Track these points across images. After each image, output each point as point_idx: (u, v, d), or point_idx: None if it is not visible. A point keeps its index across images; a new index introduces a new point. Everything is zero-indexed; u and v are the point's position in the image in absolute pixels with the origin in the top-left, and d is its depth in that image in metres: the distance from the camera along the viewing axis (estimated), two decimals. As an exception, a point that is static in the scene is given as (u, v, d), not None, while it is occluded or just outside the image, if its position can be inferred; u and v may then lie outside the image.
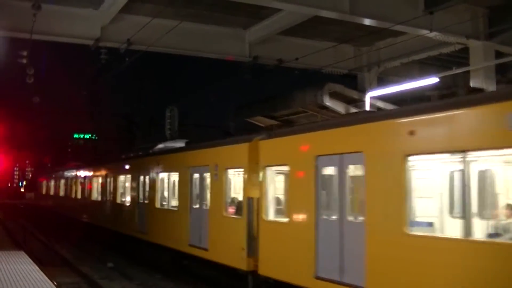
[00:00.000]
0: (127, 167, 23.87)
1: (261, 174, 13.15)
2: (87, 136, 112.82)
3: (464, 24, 18.25)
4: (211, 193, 15.70)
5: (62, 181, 39.39)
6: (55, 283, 12.37)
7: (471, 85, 19.32)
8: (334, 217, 10.78)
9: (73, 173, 35.88)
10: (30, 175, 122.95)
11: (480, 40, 19.18)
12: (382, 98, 20.26)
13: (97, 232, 27.22)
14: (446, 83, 21.84)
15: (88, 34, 20.10)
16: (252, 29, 21.97)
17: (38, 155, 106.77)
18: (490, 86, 18.78)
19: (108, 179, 26.47)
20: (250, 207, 13.53)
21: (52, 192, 44.42)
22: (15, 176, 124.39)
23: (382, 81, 24.21)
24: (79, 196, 33.13)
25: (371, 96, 20.12)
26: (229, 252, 14.23)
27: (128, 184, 23.76)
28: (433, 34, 18.29)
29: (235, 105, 27.86)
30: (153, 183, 20.29)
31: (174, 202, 18.86)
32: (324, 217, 11.04)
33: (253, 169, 13.49)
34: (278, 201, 13.25)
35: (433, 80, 18.16)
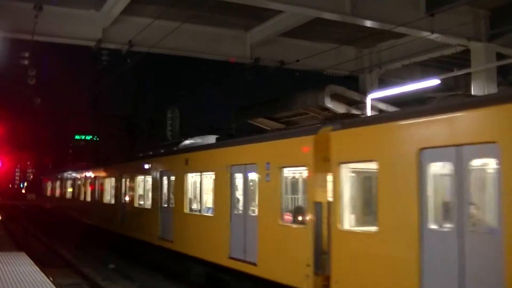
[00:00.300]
0: (146, 166, 21.25)
1: (333, 173, 10.61)
2: (88, 137, 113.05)
3: (465, 26, 18.23)
4: (260, 197, 13.16)
5: (71, 182, 36.88)
6: (56, 285, 12.37)
7: (472, 87, 19.35)
8: (449, 228, 8.28)
9: (83, 173, 33.16)
10: (32, 176, 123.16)
11: (482, 42, 19.15)
12: (383, 100, 20.25)
13: (111, 239, 25.48)
14: (447, 85, 21.92)
15: (90, 36, 20.10)
16: (253, 30, 21.98)
17: (39, 156, 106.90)
18: (493, 88, 18.79)
19: (124, 180, 24.06)
20: (318, 214, 11.01)
21: (58, 194, 42.17)
22: (16, 177, 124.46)
23: (383, 83, 24.19)
24: (88, 198, 30.86)
25: (372, 98, 20.11)
26: (287, 268, 11.89)
27: (148, 186, 21.38)
28: (434, 36, 18.28)
29: (237, 107, 27.75)
30: (180, 184, 17.76)
31: (209, 207, 16.35)
32: (432, 227, 8.56)
33: (321, 167, 11.02)
34: (359, 206, 10.74)
35: (434, 82, 18.19)
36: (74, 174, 35.97)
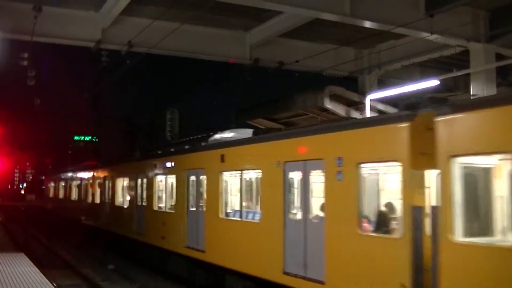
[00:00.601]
0: (168, 165, 18.73)
1: (441, 170, 8.35)
2: (87, 138, 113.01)
3: (464, 27, 18.24)
4: (329, 199, 10.76)
5: (78, 183, 33.97)
6: (56, 285, 12.36)
7: (472, 87, 19.37)
8: None
9: (92, 172, 30.29)
10: (31, 177, 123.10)
11: (481, 43, 19.17)
12: (382, 100, 20.27)
13: (125, 245, 23.23)
14: (447, 86, 21.95)
15: (89, 36, 20.11)
16: (253, 31, 21.99)
17: (38, 157, 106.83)
18: (492, 89, 18.81)
19: (140, 180, 21.51)
20: (417, 221, 8.78)
21: (63, 195, 39.47)
22: (15, 178, 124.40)
23: (382, 84, 24.22)
24: (98, 200, 28.12)
25: (371, 99, 20.13)
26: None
27: (170, 186, 18.93)
28: (433, 37, 18.29)
29: (236, 108, 27.69)
30: (213, 184, 15.34)
31: (252, 212, 14.19)
32: None
33: (419, 162, 8.82)
34: (480, 212, 8.48)
35: (433, 82, 18.20)
36: (81, 174, 33.22)
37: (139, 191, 21.57)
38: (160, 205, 19.74)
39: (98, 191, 28.14)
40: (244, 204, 14.21)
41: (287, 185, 12.13)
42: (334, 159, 10.51)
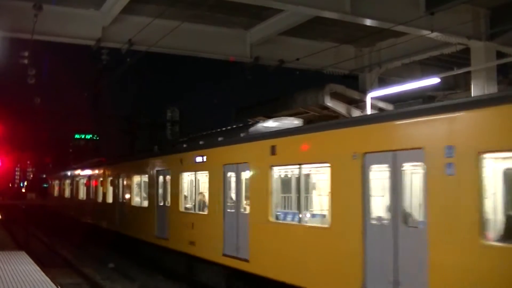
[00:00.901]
0: (198, 159, 16.49)
1: None
2: (88, 137, 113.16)
3: (465, 25, 18.22)
4: (432, 200, 8.64)
5: (86, 181, 31.50)
6: (56, 284, 12.36)
7: (472, 86, 19.34)
8: None
9: (102, 170, 28.08)
10: (31, 176, 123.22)
11: (482, 41, 19.15)
12: (383, 98, 20.26)
13: (144, 249, 21.24)
14: (447, 84, 21.93)
15: (89, 35, 20.08)
16: (253, 29, 21.96)
17: (39, 155, 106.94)
18: (492, 87, 18.78)
19: (161, 178, 19.60)
20: None
21: (69, 194, 37.09)
22: (16, 177, 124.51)
23: (383, 82, 24.20)
24: (109, 200, 26.12)
25: (372, 97, 20.12)
26: None
27: (201, 185, 16.99)
28: (434, 35, 18.27)
29: (237, 106, 27.62)
30: (261, 181, 13.04)
31: (317, 214, 12.02)
32: None
33: None
34: None
35: (434, 80, 18.19)
36: (91, 171, 30.53)
37: (160, 190, 19.60)
38: (187, 206, 17.73)
39: (110, 189, 26.16)
40: (302, 204, 11.97)
41: (366, 182, 9.90)
42: (441, 148, 8.48)
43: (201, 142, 18.11)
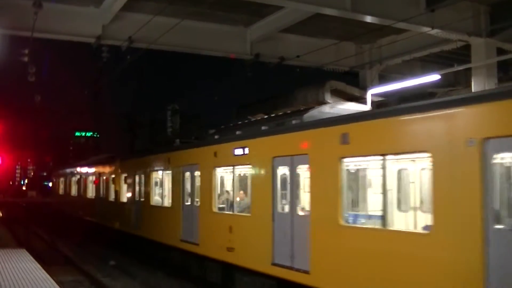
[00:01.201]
0: (238, 152, 14.26)
1: None
2: (88, 134, 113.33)
3: (465, 22, 18.21)
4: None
5: (96, 178, 29.20)
6: (57, 281, 12.38)
7: (473, 82, 19.33)
8: None
9: (113, 167, 25.97)
10: (32, 173, 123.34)
11: (482, 37, 19.14)
12: (383, 95, 20.24)
13: (166, 254, 19.22)
14: (447, 80, 21.91)
15: (90, 32, 20.07)
16: (253, 27, 21.95)
17: (39, 153, 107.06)
18: (493, 84, 18.78)
19: (187, 174, 17.46)
20: None
21: (75, 192, 34.95)
22: (16, 175, 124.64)
23: (383, 79, 24.19)
24: (123, 199, 24.03)
25: (372, 94, 20.10)
26: None
27: (240, 181, 14.84)
28: (434, 32, 18.26)
29: (237, 104, 27.60)
30: (326, 177, 10.91)
31: (399, 217, 10.23)
32: None
33: None
34: None
35: (434, 77, 18.16)
36: (102, 168, 28.32)
37: (187, 187, 17.50)
38: (221, 206, 15.60)
39: (124, 187, 24.09)
40: (388, 204, 9.68)
41: (489, 176, 7.58)
42: None
43: (238, 133, 15.25)
